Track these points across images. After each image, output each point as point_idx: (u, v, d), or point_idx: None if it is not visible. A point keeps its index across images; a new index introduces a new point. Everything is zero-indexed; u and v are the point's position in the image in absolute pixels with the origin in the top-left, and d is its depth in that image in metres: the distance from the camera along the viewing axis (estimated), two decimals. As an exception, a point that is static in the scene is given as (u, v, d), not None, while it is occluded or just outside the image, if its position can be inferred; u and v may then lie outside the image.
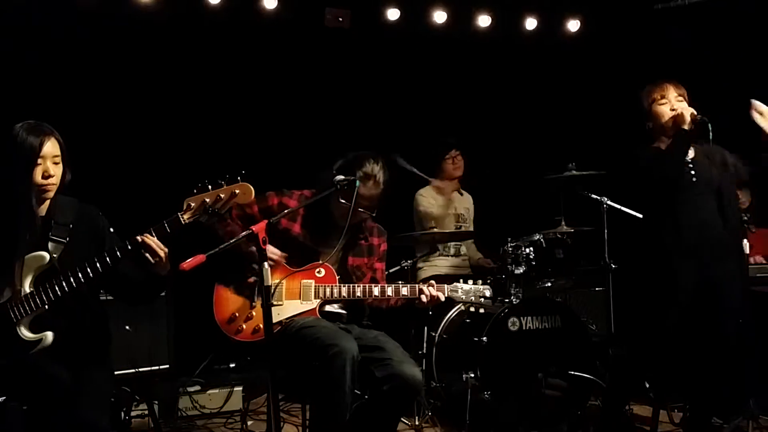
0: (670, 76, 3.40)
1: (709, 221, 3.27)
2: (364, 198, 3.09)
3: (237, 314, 3.01)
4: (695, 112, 3.21)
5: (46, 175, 2.52)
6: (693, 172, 3.27)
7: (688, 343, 3.52)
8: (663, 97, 3.32)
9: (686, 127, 3.20)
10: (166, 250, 2.49)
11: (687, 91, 3.35)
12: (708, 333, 3.28)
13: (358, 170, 3.07)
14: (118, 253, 2.48)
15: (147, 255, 2.47)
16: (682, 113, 3.22)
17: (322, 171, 3.21)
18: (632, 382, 3.57)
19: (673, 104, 3.30)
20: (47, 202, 2.60)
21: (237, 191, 2.49)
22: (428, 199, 4.90)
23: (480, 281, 3.16)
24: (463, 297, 3.12)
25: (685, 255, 3.22)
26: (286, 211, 3.00)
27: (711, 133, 3.16)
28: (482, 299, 3.12)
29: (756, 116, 3.23)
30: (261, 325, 2.90)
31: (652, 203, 3.36)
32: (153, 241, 2.47)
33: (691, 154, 3.31)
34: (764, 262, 4.40)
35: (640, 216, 3.73)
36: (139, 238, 2.47)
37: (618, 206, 4.32)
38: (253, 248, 2.54)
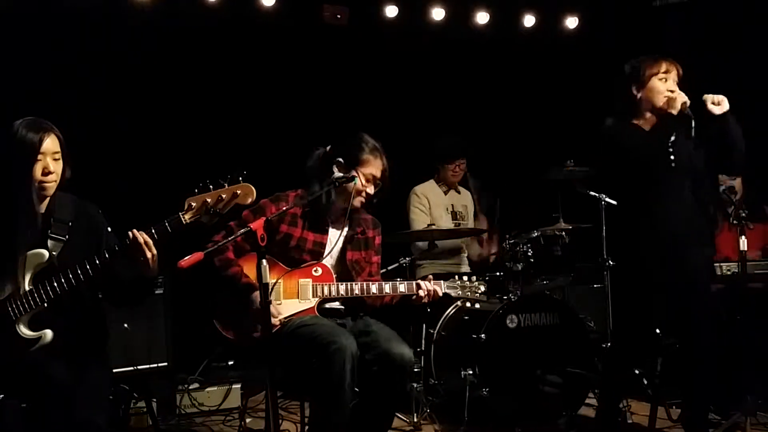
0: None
1: (686, 207, 3.22)
2: (374, 176, 3.13)
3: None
4: (687, 103, 3.10)
5: (46, 172, 2.52)
6: (672, 156, 3.18)
7: (673, 334, 3.53)
8: (667, 72, 3.19)
9: (674, 111, 3.11)
10: (155, 252, 2.47)
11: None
12: (687, 322, 3.26)
13: (361, 153, 3.11)
14: (117, 249, 2.48)
15: (134, 252, 2.45)
16: (675, 98, 3.11)
17: (313, 162, 3.23)
18: (624, 376, 3.56)
19: (671, 85, 3.18)
20: (47, 200, 2.60)
21: (238, 192, 2.49)
22: (422, 200, 4.89)
23: (475, 277, 3.17)
24: (460, 293, 3.14)
25: (663, 244, 3.19)
26: (284, 208, 3.00)
27: (693, 130, 3.07)
28: (477, 294, 3.14)
29: (712, 107, 3.10)
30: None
31: (631, 188, 3.29)
32: (143, 237, 2.45)
33: (673, 136, 3.22)
34: (759, 258, 4.40)
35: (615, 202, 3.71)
36: (130, 233, 2.46)
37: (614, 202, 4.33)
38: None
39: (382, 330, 2.98)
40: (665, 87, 3.18)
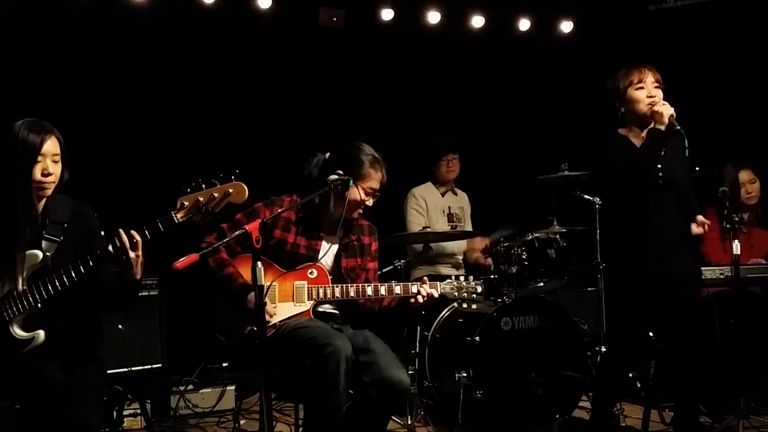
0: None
1: (672, 218, 3.25)
2: (374, 189, 3.11)
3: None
4: (674, 115, 3.10)
5: (46, 173, 2.53)
6: (661, 174, 3.20)
7: (663, 339, 3.55)
8: (641, 81, 3.20)
9: (661, 127, 3.10)
10: (140, 254, 2.46)
11: (662, 78, 3.26)
12: (676, 327, 3.28)
13: (362, 167, 3.07)
14: (101, 252, 2.48)
15: (119, 251, 2.44)
16: (660, 113, 3.11)
17: (312, 169, 3.21)
18: (617, 380, 3.56)
19: (651, 91, 3.19)
20: (44, 201, 2.60)
21: (231, 190, 2.49)
22: (419, 201, 4.90)
23: (472, 277, 3.16)
24: (456, 294, 3.11)
25: (652, 254, 3.22)
26: (279, 210, 3.00)
27: (687, 149, 3.08)
28: (474, 295, 3.12)
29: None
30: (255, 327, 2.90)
31: (618, 197, 3.32)
32: (129, 235, 2.44)
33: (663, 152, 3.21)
34: (763, 262, 4.39)
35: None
36: (115, 234, 2.46)
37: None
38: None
39: (381, 351, 2.93)
40: (644, 94, 3.20)
